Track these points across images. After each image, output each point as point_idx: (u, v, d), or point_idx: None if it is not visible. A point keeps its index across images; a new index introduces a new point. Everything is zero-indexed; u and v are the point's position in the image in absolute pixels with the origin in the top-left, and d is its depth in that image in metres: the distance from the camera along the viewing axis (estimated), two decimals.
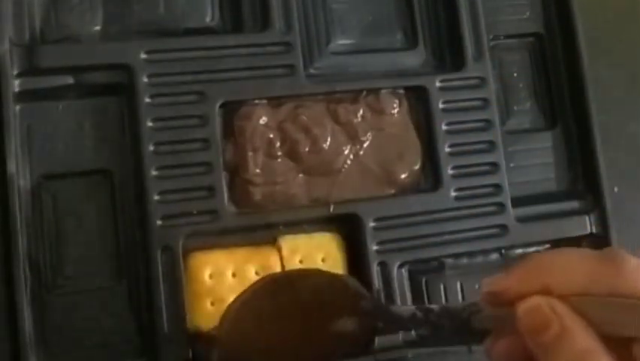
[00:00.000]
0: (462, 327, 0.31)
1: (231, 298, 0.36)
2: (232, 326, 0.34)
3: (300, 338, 0.32)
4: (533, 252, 0.48)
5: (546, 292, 0.28)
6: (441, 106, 0.47)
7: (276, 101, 0.45)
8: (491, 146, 0.48)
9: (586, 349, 0.27)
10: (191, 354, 0.41)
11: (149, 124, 0.42)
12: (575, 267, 0.29)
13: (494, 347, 0.30)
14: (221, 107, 0.44)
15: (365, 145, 0.46)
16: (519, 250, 0.48)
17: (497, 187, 0.47)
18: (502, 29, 0.51)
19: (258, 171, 0.44)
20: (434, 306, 0.32)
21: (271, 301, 0.33)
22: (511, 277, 0.30)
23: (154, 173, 0.42)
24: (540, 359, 0.28)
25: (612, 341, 0.27)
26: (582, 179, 0.50)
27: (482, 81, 0.48)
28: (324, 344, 0.32)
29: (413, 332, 0.42)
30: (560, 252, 0.31)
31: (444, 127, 0.47)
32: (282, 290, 0.34)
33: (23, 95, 0.42)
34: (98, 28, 0.44)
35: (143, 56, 0.43)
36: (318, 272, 0.37)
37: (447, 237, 0.46)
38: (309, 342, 0.32)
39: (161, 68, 0.43)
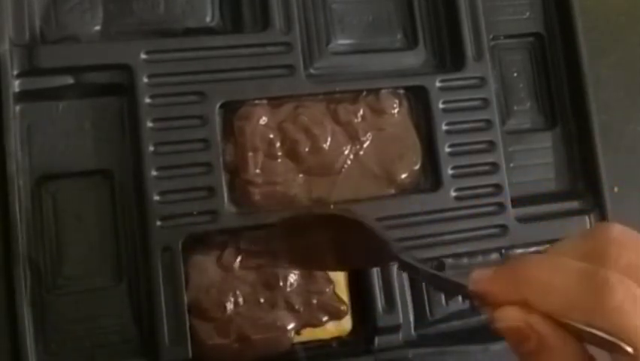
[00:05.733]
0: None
1: None
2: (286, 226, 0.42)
3: (332, 258, 0.40)
4: (533, 252, 0.48)
5: (524, 305, 0.28)
6: (441, 106, 0.47)
7: (276, 101, 0.45)
8: (491, 146, 0.48)
9: None
10: (191, 354, 0.41)
11: (149, 124, 0.42)
12: (555, 285, 0.27)
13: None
14: (221, 107, 0.44)
15: (365, 145, 0.46)
16: (519, 250, 0.48)
17: (497, 187, 0.47)
18: (502, 29, 0.51)
19: (258, 171, 0.44)
20: (442, 274, 0.39)
21: (311, 230, 0.41)
22: (492, 282, 0.29)
23: (154, 173, 0.42)
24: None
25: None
26: (582, 179, 0.50)
27: (482, 81, 0.48)
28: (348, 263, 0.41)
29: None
30: (542, 262, 0.28)
31: (444, 127, 0.47)
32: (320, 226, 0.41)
33: (23, 95, 0.42)
34: (98, 28, 0.44)
35: (143, 56, 0.43)
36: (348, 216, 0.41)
37: (447, 237, 0.46)
38: (338, 260, 0.40)
39: (161, 68, 0.43)
